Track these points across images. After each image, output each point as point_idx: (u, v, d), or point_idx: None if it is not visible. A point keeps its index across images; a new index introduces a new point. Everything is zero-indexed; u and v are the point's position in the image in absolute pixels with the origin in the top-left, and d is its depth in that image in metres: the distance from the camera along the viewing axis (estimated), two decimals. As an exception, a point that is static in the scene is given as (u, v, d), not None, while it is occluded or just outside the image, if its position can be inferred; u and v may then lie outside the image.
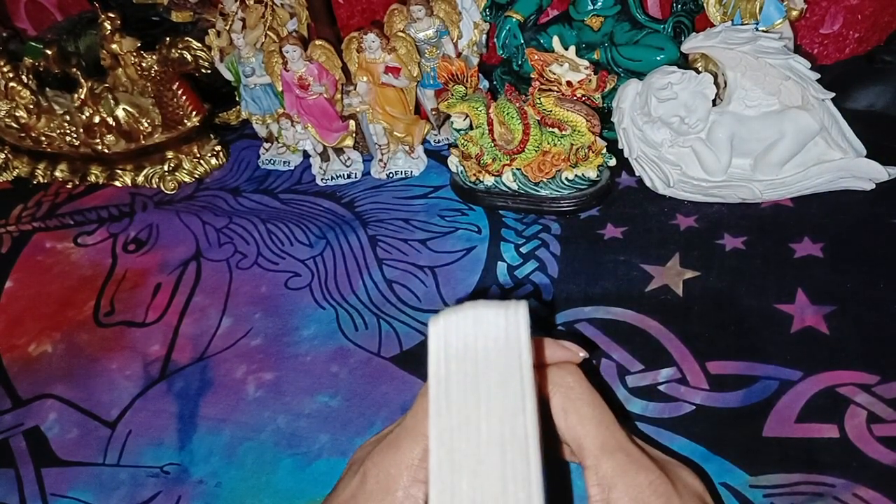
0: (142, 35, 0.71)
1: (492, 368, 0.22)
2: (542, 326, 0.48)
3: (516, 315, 0.22)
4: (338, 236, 0.59)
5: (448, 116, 0.60)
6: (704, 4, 0.59)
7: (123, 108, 0.69)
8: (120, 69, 0.72)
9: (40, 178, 0.74)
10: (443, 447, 0.22)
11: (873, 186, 0.52)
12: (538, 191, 0.56)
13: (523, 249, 0.55)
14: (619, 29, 0.62)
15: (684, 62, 0.59)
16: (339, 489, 0.29)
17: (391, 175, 0.65)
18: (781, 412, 0.40)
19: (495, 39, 0.66)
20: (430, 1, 0.63)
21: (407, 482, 0.26)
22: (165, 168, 0.70)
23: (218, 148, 0.72)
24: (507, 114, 0.53)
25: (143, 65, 0.67)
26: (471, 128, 0.56)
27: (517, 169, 0.56)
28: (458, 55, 0.66)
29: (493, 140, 0.55)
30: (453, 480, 0.21)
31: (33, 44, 0.73)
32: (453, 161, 0.59)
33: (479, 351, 0.23)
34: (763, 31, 0.51)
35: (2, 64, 0.71)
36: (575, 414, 0.28)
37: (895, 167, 0.51)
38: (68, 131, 0.71)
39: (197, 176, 0.71)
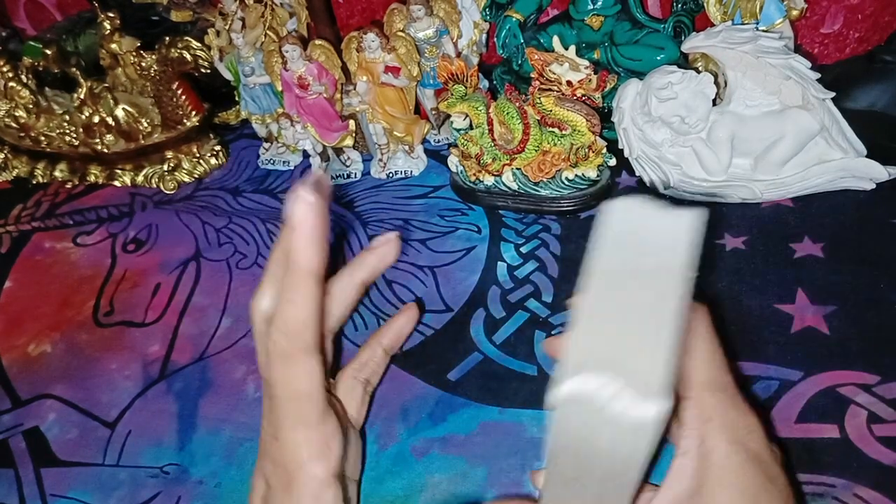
0: (141, 35, 0.71)
1: (656, 260, 0.23)
2: (542, 326, 0.48)
3: (689, 219, 0.23)
4: (338, 236, 0.59)
5: (448, 116, 0.60)
6: (705, 4, 0.59)
7: (123, 108, 0.69)
8: (119, 69, 0.72)
9: (39, 178, 0.74)
10: (595, 297, 0.22)
11: (874, 186, 0.52)
12: (538, 190, 0.56)
13: (523, 249, 0.55)
14: (619, 28, 0.62)
15: (684, 62, 0.59)
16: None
17: (391, 175, 0.65)
18: (782, 412, 0.40)
19: (495, 39, 0.66)
20: (430, 0, 0.63)
21: None
22: (165, 168, 0.70)
23: (217, 148, 0.72)
24: (507, 113, 0.53)
25: (143, 64, 0.67)
26: (471, 127, 0.56)
27: (517, 169, 0.55)
28: (458, 55, 0.66)
29: (493, 140, 0.55)
30: (597, 327, 0.22)
31: (33, 43, 0.73)
32: (453, 161, 0.59)
33: (648, 242, 0.23)
34: (763, 31, 0.51)
35: (1, 64, 0.71)
36: (690, 347, 0.28)
37: (895, 167, 0.51)
38: (68, 131, 0.71)
39: (196, 176, 0.71)
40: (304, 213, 0.27)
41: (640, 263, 0.23)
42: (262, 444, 0.32)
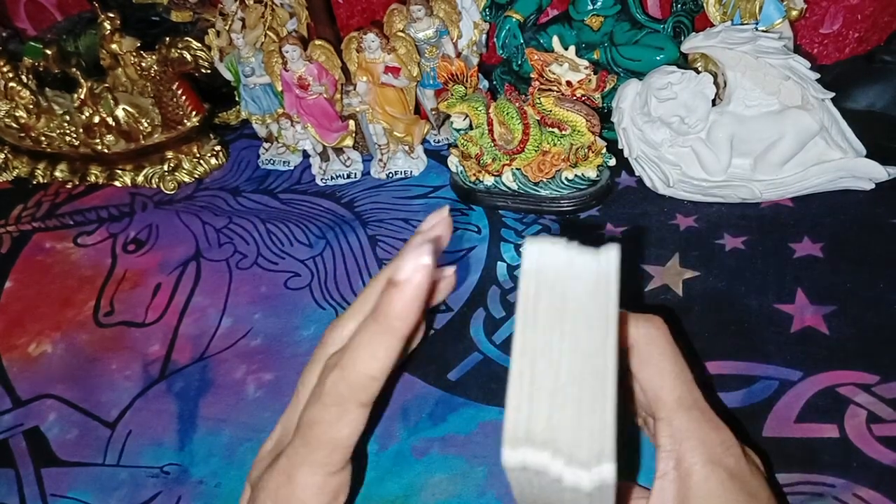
0: (141, 35, 0.71)
1: (579, 305, 0.22)
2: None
3: (608, 259, 0.23)
4: (337, 236, 0.59)
5: (448, 116, 0.60)
6: (704, 4, 0.59)
7: (123, 108, 0.69)
8: (120, 69, 0.72)
9: (40, 178, 0.74)
10: (525, 364, 0.22)
11: (873, 186, 0.52)
12: (538, 191, 0.56)
13: (523, 249, 0.54)
14: (618, 29, 0.62)
15: (684, 62, 0.59)
16: None
17: (391, 175, 0.65)
18: (781, 412, 0.40)
19: (495, 39, 0.66)
20: (430, 1, 0.63)
21: None
22: (165, 168, 0.70)
23: (218, 148, 0.72)
24: (507, 114, 0.53)
25: (143, 65, 0.67)
26: (471, 128, 0.56)
27: (517, 169, 0.56)
28: (458, 55, 0.66)
29: (493, 140, 0.55)
30: (530, 401, 0.21)
31: (33, 44, 0.73)
32: (453, 161, 0.59)
33: (569, 285, 0.23)
34: (763, 31, 0.51)
35: (1, 64, 0.71)
36: (654, 366, 0.27)
37: (895, 167, 0.51)
38: (68, 131, 0.71)
39: (197, 176, 0.71)
40: (415, 272, 0.24)
41: (572, 309, 0.22)
42: (263, 462, 0.30)
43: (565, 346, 0.22)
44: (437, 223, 0.27)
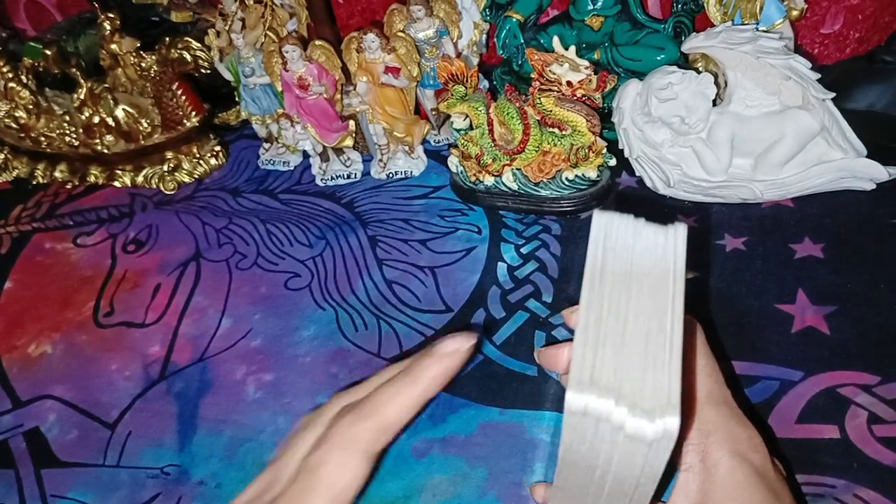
0: (141, 35, 0.71)
1: (646, 273, 0.23)
2: (542, 327, 0.48)
3: (676, 236, 0.23)
4: (337, 237, 0.59)
5: (448, 116, 0.60)
6: (705, 4, 0.59)
7: (123, 109, 0.69)
8: (119, 69, 0.72)
9: (40, 179, 0.74)
10: (592, 318, 0.22)
11: (874, 186, 0.52)
12: (538, 191, 0.56)
13: (523, 250, 0.55)
14: (619, 29, 0.62)
15: (685, 62, 0.59)
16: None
17: (391, 175, 0.65)
18: (782, 412, 0.40)
19: (495, 39, 0.66)
20: (430, 1, 0.63)
21: None
22: (165, 168, 0.70)
23: (217, 148, 0.72)
24: (507, 114, 0.53)
25: (143, 65, 0.67)
26: (471, 128, 0.56)
27: (517, 169, 0.55)
28: (458, 55, 0.66)
29: (493, 140, 0.55)
30: (597, 350, 0.21)
31: (33, 44, 0.73)
32: (453, 161, 0.59)
33: (636, 254, 0.23)
34: (763, 31, 0.51)
35: (1, 64, 0.71)
36: (686, 362, 0.27)
37: (895, 167, 0.51)
38: (68, 132, 0.71)
39: (196, 176, 0.70)
40: (459, 350, 0.26)
41: (637, 274, 0.23)
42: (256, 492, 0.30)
43: (632, 305, 0.22)
44: (456, 352, 0.27)
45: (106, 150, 0.71)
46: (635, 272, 0.23)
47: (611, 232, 0.24)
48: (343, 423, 0.26)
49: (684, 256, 0.23)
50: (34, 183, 0.74)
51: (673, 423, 0.20)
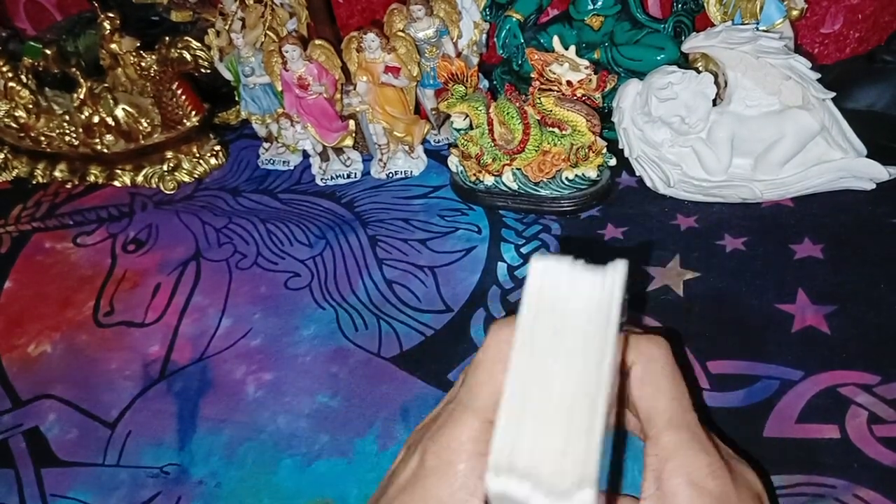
0: (141, 35, 0.71)
1: (579, 326, 0.22)
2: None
3: (613, 279, 0.23)
4: (337, 236, 0.59)
5: (448, 116, 0.60)
6: (705, 4, 0.59)
7: (123, 108, 0.69)
8: (119, 69, 0.72)
9: (39, 178, 0.74)
10: (518, 388, 0.22)
11: (874, 186, 0.52)
12: (538, 191, 0.56)
13: (523, 250, 0.55)
14: (619, 28, 0.62)
15: (685, 62, 0.59)
16: (397, 472, 0.28)
17: (391, 175, 0.65)
18: (782, 412, 0.40)
19: (495, 39, 0.66)
20: (430, 1, 0.63)
21: (468, 456, 0.25)
22: (165, 168, 0.70)
23: (217, 148, 0.72)
24: (507, 114, 0.53)
25: (143, 65, 0.67)
26: (471, 128, 0.56)
27: (517, 169, 0.55)
28: (458, 55, 0.66)
29: (493, 140, 0.55)
30: (519, 425, 0.21)
31: (32, 44, 0.73)
32: (453, 161, 0.59)
33: (571, 306, 0.23)
34: (763, 31, 0.51)
35: (1, 64, 0.71)
36: (651, 385, 0.27)
37: (895, 167, 0.51)
38: (68, 131, 0.71)
39: (196, 176, 0.70)
40: None
41: (570, 328, 0.22)
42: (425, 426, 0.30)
43: (559, 369, 0.22)
44: None
45: (106, 150, 0.70)
46: (568, 325, 0.23)
47: (546, 280, 0.23)
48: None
49: (620, 301, 0.22)
50: (34, 182, 0.74)
51: (589, 495, 0.20)
